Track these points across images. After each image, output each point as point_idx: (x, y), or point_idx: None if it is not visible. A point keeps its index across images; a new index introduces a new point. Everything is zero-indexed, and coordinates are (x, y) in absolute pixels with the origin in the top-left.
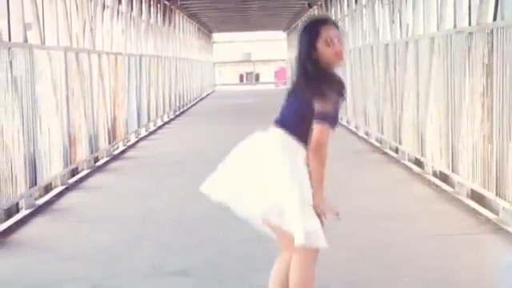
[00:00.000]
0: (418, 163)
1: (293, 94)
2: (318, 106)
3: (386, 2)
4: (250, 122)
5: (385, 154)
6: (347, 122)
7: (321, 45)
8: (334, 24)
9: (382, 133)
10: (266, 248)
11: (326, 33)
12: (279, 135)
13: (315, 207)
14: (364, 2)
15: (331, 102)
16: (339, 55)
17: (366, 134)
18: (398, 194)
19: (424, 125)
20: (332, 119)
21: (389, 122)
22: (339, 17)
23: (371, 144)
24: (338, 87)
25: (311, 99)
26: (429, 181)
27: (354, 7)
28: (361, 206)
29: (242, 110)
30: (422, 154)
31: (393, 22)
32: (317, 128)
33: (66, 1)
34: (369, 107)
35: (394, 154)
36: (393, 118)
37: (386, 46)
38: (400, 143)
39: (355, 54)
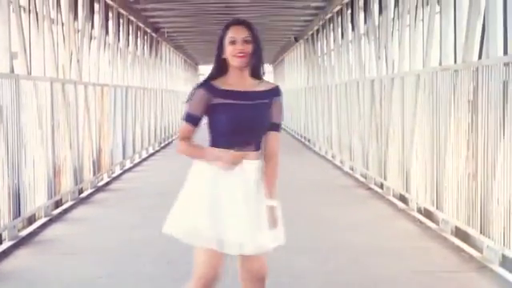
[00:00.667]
0: (403, 199)
1: None
2: None
3: (372, 37)
4: None
5: (370, 189)
6: (332, 157)
7: (226, 44)
8: (248, 27)
9: (367, 168)
10: None
11: (232, 32)
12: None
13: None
14: (350, 38)
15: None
16: (236, 55)
17: (351, 168)
18: (383, 230)
19: (409, 161)
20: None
21: (374, 158)
22: (325, 51)
23: (356, 179)
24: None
25: None
26: (413, 217)
27: (340, 42)
28: (346, 242)
29: None
30: (406, 190)
31: (379, 57)
32: None
33: (53, 31)
34: (354, 142)
35: (379, 190)
36: (378, 153)
37: (372, 81)
38: (385, 179)
39: (341, 88)
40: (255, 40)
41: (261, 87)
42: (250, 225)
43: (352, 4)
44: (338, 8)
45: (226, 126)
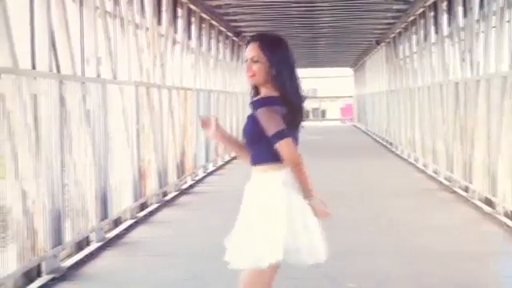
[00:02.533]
0: (489, 203)
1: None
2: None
3: (456, 39)
4: (318, 158)
5: (454, 192)
6: (415, 160)
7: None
8: (259, 41)
9: (452, 171)
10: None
11: (246, 50)
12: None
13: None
14: (433, 40)
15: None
16: (246, 74)
17: (435, 172)
18: (469, 234)
19: (495, 164)
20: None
21: (458, 160)
22: (407, 54)
23: (440, 182)
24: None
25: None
26: (500, 221)
27: (423, 45)
28: (430, 246)
29: (310, 146)
30: (493, 194)
31: (463, 60)
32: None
33: (138, 36)
34: (438, 145)
35: (464, 193)
36: (463, 156)
37: (456, 84)
38: (470, 182)
39: (424, 91)
40: (270, 58)
41: None
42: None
43: (435, 6)
44: (421, 10)
45: None
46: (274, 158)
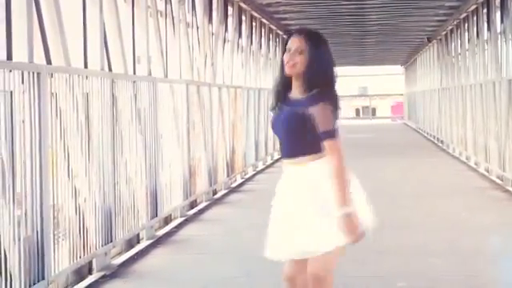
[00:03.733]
0: None
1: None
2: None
3: (510, 36)
4: (368, 156)
5: (507, 191)
6: (467, 159)
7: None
8: (305, 34)
9: (504, 170)
10: None
11: (290, 41)
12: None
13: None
14: (486, 37)
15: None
16: (286, 64)
17: (487, 170)
18: None
19: None
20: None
21: (511, 159)
22: (459, 51)
23: (492, 181)
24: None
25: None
26: None
27: (475, 42)
28: (483, 245)
29: (361, 144)
30: None
31: None
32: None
33: (189, 35)
34: (490, 143)
35: None
36: None
37: (510, 81)
38: None
39: (476, 89)
40: (314, 53)
41: (303, 96)
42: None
43: (488, 3)
44: (474, 7)
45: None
46: (315, 149)
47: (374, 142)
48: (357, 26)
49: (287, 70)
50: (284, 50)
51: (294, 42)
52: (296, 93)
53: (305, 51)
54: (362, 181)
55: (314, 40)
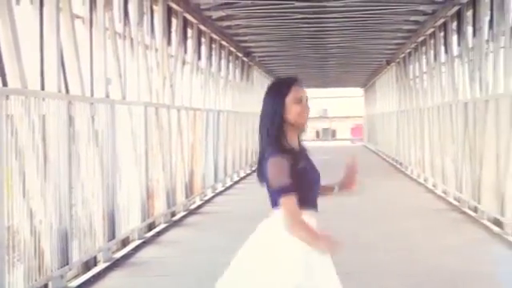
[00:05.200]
0: (498, 223)
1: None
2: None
3: (466, 59)
4: (327, 177)
5: (463, 213)
6: (424, 180)
7: (289, 102)
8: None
9: (461, 191)
10: None
11: (296, 91)
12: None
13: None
14: (443, 60)
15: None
16: (302, 115)
17: (444, 192)
18: (478, 255)
19: (504, 184)
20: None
21: (468, 181)
22: (417, 74)
23: (449, 203)
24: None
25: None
26: (509, 241)
27: (432, 65)
28: (440, 266)
29: (320, 166)
30: (501, 214)
31: (472, 79)
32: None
33: (148, 57)
34: (447, 165)
35: (473, 214)
36: (472, 176)
37: (465, 104)
38: (479, 202)
39: (434, 111)
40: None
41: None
42: None
43: (445, 26)
44: (431, 30)
45: (311, 187)
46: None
47: (332, 163)
48: (317, 48)
49: (304, 122)
50: (282, 96)
51: (303, 92)
52: (297, 144)
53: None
54: (323, 202)
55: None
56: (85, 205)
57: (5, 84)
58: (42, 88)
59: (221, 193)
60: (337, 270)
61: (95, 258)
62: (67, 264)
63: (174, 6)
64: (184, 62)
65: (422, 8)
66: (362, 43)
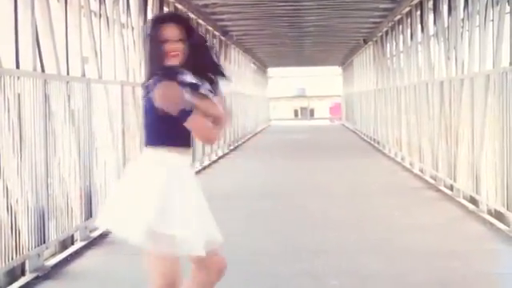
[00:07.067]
0: (473, 201)
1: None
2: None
3: (442, 38)
4: (305, 157)
5: (439, 191)
6: (402, 159)
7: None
8: (177, 22)
9: (437, 170)
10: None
11: (162, 32)
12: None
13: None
14: (419, 39)
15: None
16: (169, 54)
17: (421, 170)
18: (453, 232)
19: (479, 162)
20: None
21: (443, 160)
22: (394, 53)
23: (426, 181)
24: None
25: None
26: (484, 219)
27: (409, 44)
28: (415, 244)
29: (298, 145)
30: (476, 192)
31: (448, 58)
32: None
33: (124, 36)
34: (423, 144)
35: (449, 192)
36: (448, 155)
37: (442, 83)
38: (455, 180)
39: (410, 90)
40: (190, 38)
41: None
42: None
43: (421, 5)
44: (407, 9)
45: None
46: None
47: (311, 142)
48: (294, 27)
49: (173, 60)
50: (154, 37)
51: (170, 31)
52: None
53: (183, 39)
54: (299, 181)
55: (189, 26)
56: (61, 184)
57: None
58: (17, 67)
59: (198, 172)
60: (307, 248)
61: (72, 236)
62: (44, 243)
63: None
64: None
65: None
66: (338, 22)
